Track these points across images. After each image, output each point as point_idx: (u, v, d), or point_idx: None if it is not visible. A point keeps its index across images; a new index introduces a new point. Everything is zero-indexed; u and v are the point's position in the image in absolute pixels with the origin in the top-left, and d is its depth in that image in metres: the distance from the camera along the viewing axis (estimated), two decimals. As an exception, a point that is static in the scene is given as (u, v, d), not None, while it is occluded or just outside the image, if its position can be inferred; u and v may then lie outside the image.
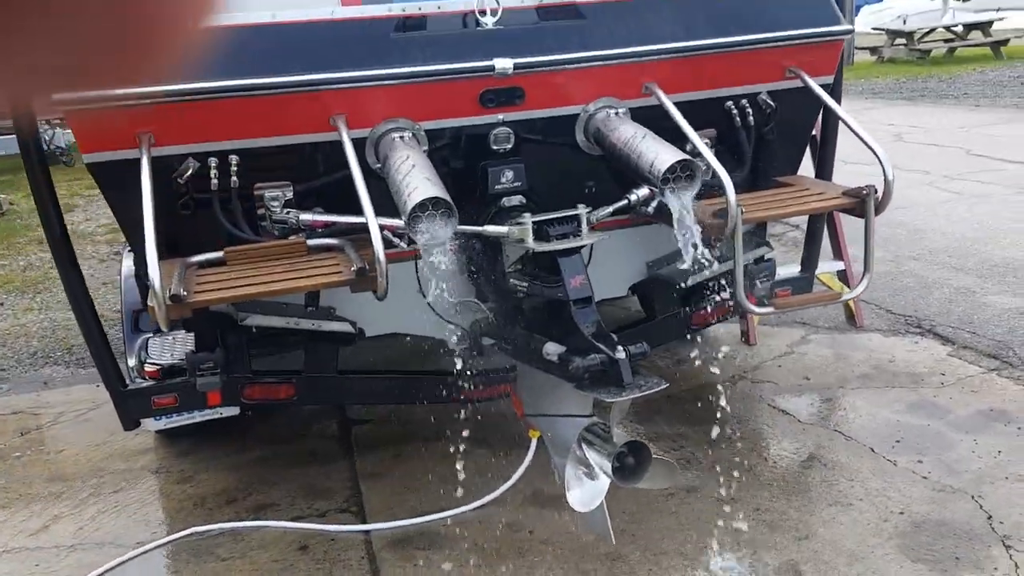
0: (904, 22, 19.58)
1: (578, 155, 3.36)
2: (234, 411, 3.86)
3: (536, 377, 3.28)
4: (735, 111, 3.48)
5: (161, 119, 2.85)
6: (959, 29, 19.74)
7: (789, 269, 4.16)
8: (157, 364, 3.66)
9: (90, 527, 3.78)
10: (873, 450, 3.97)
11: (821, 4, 3.51)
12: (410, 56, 3.08)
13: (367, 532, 3.61)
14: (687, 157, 2.96)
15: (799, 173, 3.85)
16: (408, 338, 3.61)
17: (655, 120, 3.18)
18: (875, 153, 3.27)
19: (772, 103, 3.48)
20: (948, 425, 4.15)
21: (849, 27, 3.58)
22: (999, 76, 16.13)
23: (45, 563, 3.55)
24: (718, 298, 3.64)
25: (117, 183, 2.94)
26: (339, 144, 2.92)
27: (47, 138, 12.03)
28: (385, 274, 2.71)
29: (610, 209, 3.24)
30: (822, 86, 3.46)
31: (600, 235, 3.17)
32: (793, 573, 3.19)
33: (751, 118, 3.49)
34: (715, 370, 4.46)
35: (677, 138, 3.12)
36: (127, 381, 3.58)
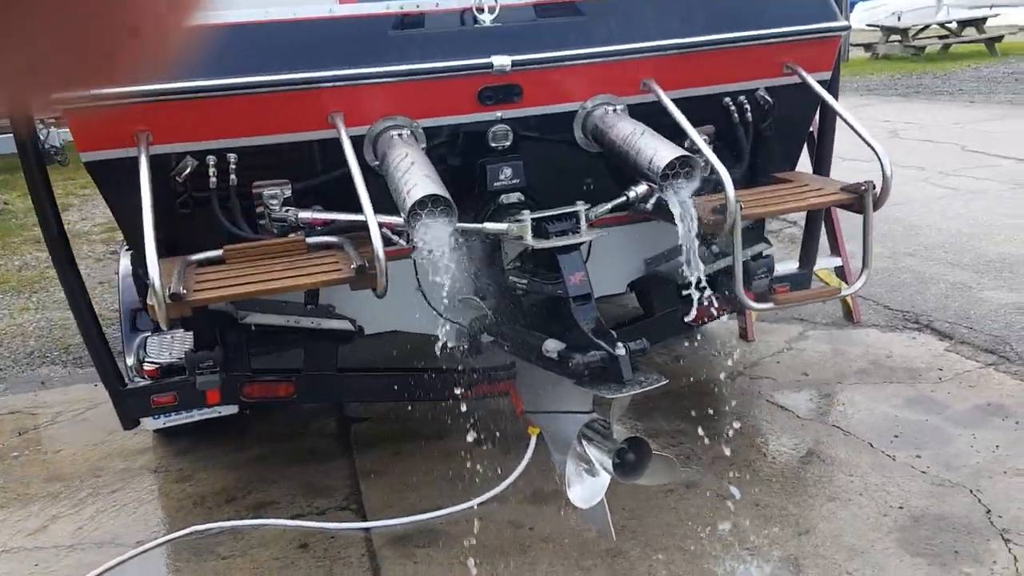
0: (898, 18, 19.61)
1: (576, 152, 3.36)
2: (232, 410, 3.86)
3: (536, 374, 3.29)
4: (733, 107, 3.48)
5: (159, 117, 2.85)
6: (953, 25, 19.77)
7: (787, 265, 4.17)
8: (156, 363, 3.66)
9: (89, 527, 3.77)
10: (872, 445, 3.98)
11: (818, 0, 3.52)
12: (408, 53, 3.08)
13: (367, 530, 3.61)
14: (686, 153, 2.97)
15: (797, 169, 3.86)
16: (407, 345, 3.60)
17: (653, 117, 3.18)
18: (873, 149, 3.27)
19: (770, 99, 3.49)
20: (946, 420, 4.16)
21: (846, 23, 3.58)
22: (993, 72, 16.16)
23: (44, 563, 3.54)
24: (717, 294, 3.64)
25: (115, 182, 2.94)
26: (337, 142, 2.92)
27: (42, 137, 11.99)
28: (385, 272, 2.71)
29: (609, 206, 3.24)
30: (819, 82, 3.47)
31: (599, 232, 3.17)
32: (793, 568, 3.19)
33: (749, 114, 3.50)
34: (714, 366, 4.47)
35: (675, 135, 3.12)
36: (126, 380, 3.57)
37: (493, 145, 3.24)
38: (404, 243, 2.98)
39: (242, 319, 3.29)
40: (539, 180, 3.30)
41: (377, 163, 3.07)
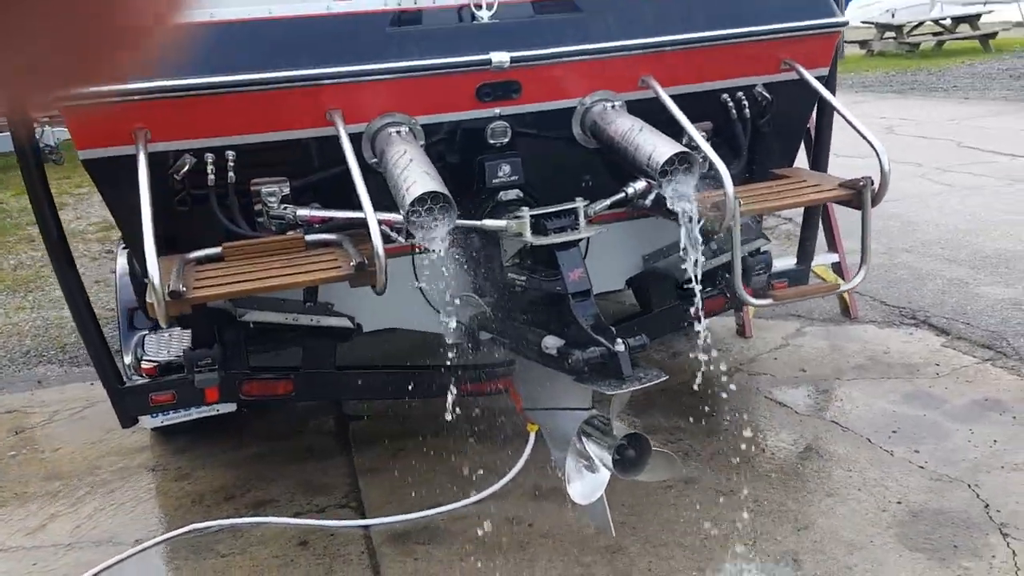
0: (893, 16, 19.63)
1: (575, 148, 3.36)
2: (231, 408, 3.85)
3: (535, 371, 3.29)
4: (731, 104, 3.49)
5: (157, 115, 2.84)
6: (947, 22, 19.80)
7: (784, 262, 4.18)
8: (154, 361, 3.65)
9: (87, 525, 3.76)
10: (870, 440, 3.98)
11: (816, -4, 3.52)
12: (406, 50, 3.08)
13: (367, 527, 3.61)
14: (685, 149, 2.97)
15: (795, 166, 3.86)
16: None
17: (651, 113, 3.19)
18: (871, 144, 3.28)
19: (768, 95, 3.49)
20: (944, 415, 4.17)
21: (844, 19, 3.59)
22: (988, 69, 16.18)
23: (43, 562, 3.54)
24: (715, 290, 3.65)
25: (113, 180, 2.93)
26: (336, 139, 2.91)
27: (37, 136, 11.95)
28: (384, 269, 2.71)
29: (608, 202, 3.24)
30: (817, 78, 3.47)
31: (598, 228, 3.17)
32: (793, 563, 3.20)
33: (747, 111, 3.50)
34: (712, 362, 4.47)
35: (673, 131, 3.12)
36: (124, 379, 3.57)
37: (491, 142, 3.24)
38: (403, 240, 2.98)
39: (240, 317, 3.28)
40: (537, 177, 3.30)
41: (375, 160, 3.07)
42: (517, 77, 3.17)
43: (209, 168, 2.95)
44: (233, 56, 2.89)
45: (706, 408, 4.13)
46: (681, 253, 3.08)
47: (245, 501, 3.86)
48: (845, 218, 5.15)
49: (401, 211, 2.72)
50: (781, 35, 3.43)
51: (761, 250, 3.81)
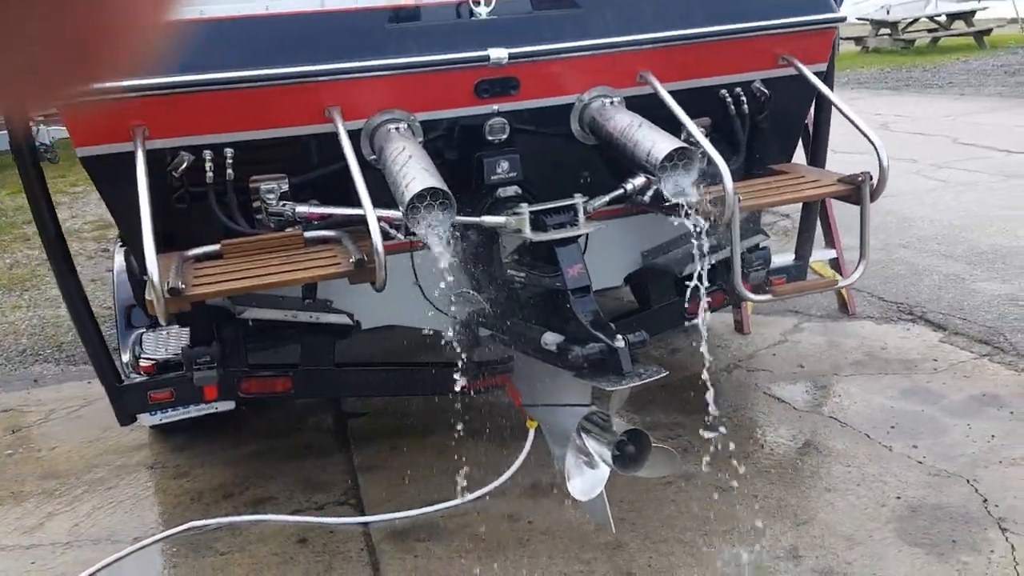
0: (888, 12, 19.63)
1: (573, 145, 3.36)
2: (229, 405, 3.84)
3: (534, 367, 3.29)
4: (729, 99, 3.48)
5: (155, 112, 2.83)
6: (942, 19, 19.82)
7: (782, 258, 4.18)
8: (152, 359, 3.65)
9: (86, 523, 3.75)
10: (868, 436, 3.99)
11: (813, -8, 3.52)
12: (404, 47, 3.07)
13: (366, 524, 3.61)
14: (684, 145, 2.97)
15: (792, 161, 3.86)
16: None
17: (650, 109, 3.18)
18: (870, 140, 3.28)
19: (766, 91, 3.49)
20: (942, 410, 4.18)
21: (842, 15, 3.59)
22: (982, 65, 16.21)
23: (41, 560, 3.53)
24: (714, 287, 3.65)
25: (111, 177, 2.92)
26: (334, 136, 2.91)
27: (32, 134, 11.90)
28: (384, 265, 2.71)
29: (607, 198, 3.23)
30: (815, 74, 3.47)
31: (597, 224, 3.17)
32: (793, 558, 3.20)
33: (745, 106, 3.50)
34: (710, 358, 4.47)
35: (672, 127, 3.12)
36: (122, 377, 3.56)
37: (490, 138, 3.23)
38: (402, 237, 2.97)
39: (239, 314, 3.27)
40: (536, 173, 3.29)
41: (374, 157, 3.06)
42: (515, 73, 3.16)
43: (207, 165, 2.94)
44: (231, 53, 2.89)
45: (705, 404, 4.12)
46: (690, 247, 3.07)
47: (244, 499, 3.85)
48: (841, 215, 5.17)
49: (400, 208, 2.71)
50: (779, 31, 3.43)
51: (760, 246, 3.81)
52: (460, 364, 3.17)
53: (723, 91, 3.47)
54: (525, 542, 3.40)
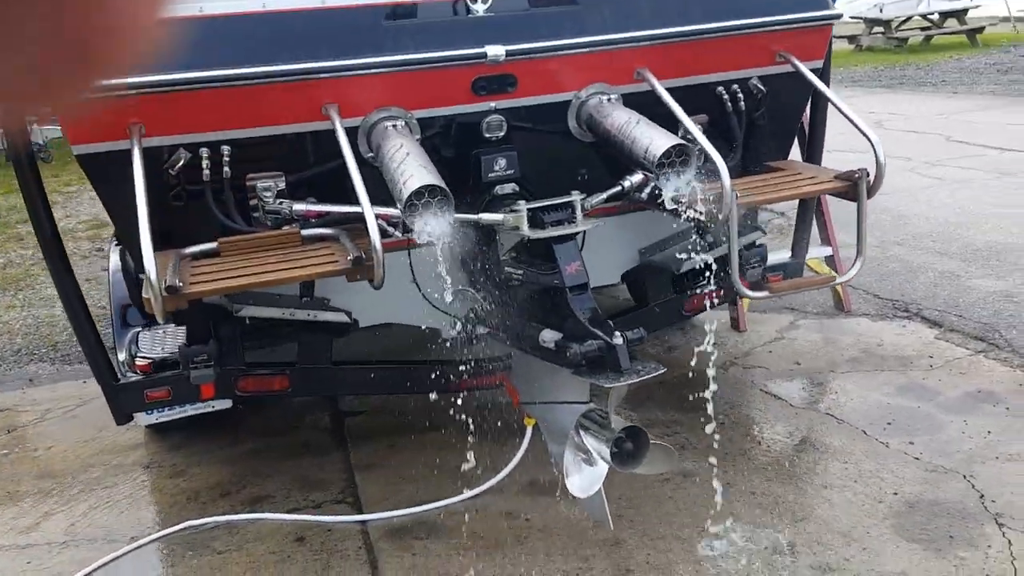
0: (881, 10, 19.67)
1: (571, 142, 3.36)
2: (226, 404, 3.84)
3: (532, 365, 3.28)
4: (726, 96, 3.48)
5: (152, 109, 2.82)
6: (935, 17, 19.88)
7: (778, 255, 4.18)
8: (148, 358, 3.64)
9: (82, 523, 3.74)
10: (865, 432, 4.00)
11: (810, -11, 3.52)
12: (401, 44, 3.06)
13: (364, 522, 3.60)
14: (682, 142, 2.97)
15: (789, 158, 3.87)
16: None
17: (647, 106, 3.18)
18: (867, 136, 3.28)
19: (763, 88, 3.49)
20: (938, 407, 4.19)
21: (839, 12, 3.59)
22: (975, 63, 16.26)
23: (37, 560, 3.51)
24: (711, 284, 3.65)
25: (108, 175, 2.91)
26: (331, 133, 2.90)
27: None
28: (382, 263, 2.70)
29: (604, 195, 3.24)
30: (812, 71, 3.47)
31: (595, 221, 3.17)
32: (790, 554, 3.21)
33: (742, 103, 3.50)
34: (707, 356, 4.47)
35: (669, 124, 3.12)
36: (118, 376, 3.54)
37: (487, 136, 3.23)
38: (399, 234, 2.97)
39: (236, 312, 3.26)
40: (533, 170, 3.29)
41: (372, 154, 3.06)
42: (512, 71, 3.16)
43: (204, 163, 2.93)
44: (228, 50, 2.88)
45: (702, 401, 4.12)
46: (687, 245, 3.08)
47: (241, 497, 3.84)
48: (837, 212, 5.18)
49: (398, 205, 2.71)
50: (776, 27, 3.43)
51: (756, 243, 3.81)
52: (458, 362, 3.17)
53: (720, 88, 3.48)
54: (523, 539, 3.40)
